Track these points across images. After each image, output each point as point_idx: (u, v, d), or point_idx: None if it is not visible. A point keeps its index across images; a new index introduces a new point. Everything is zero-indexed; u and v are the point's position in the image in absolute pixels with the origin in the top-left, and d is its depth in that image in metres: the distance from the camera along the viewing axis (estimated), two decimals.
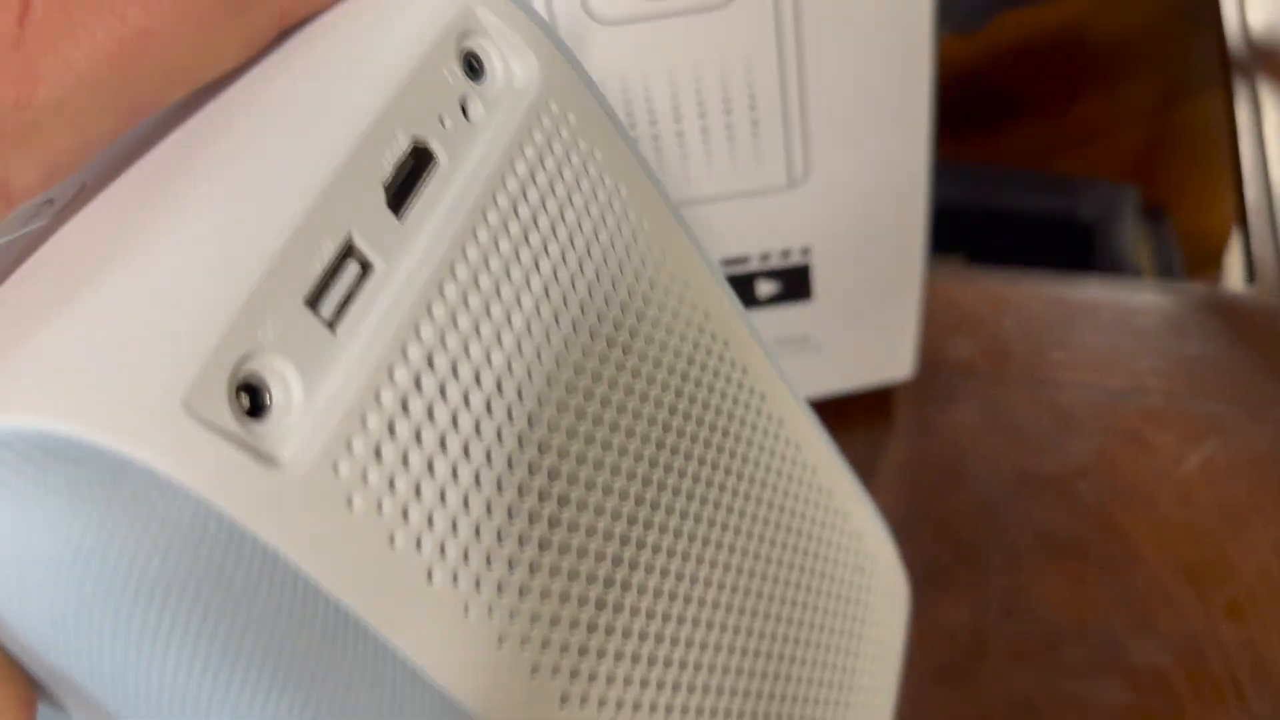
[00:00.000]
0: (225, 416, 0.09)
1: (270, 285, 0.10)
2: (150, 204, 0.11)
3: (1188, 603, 0.28)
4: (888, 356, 0.31)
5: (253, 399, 0.10)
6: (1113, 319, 0.35)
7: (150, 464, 0.09)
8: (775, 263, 0.27)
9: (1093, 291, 0.36)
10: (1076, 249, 0.55)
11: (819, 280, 0.28)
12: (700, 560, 0.15)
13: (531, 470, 0.12)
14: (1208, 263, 0.49)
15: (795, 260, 0.27)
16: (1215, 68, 0.50)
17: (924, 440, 0.32)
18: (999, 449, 0.32)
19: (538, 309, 0.13)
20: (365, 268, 0.11)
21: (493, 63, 0.13)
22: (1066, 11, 0.60)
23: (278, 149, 0.11)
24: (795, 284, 0.28)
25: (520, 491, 0.12)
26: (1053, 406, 0.33)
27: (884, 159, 0.26)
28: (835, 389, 0.31)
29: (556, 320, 0.13)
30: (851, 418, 0.32)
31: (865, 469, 0.26)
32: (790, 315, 0.29)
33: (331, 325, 0.11)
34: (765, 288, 0.28)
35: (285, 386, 0.10)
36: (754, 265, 0.27)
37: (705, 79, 0.23)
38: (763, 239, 0.27)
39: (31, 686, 0.09)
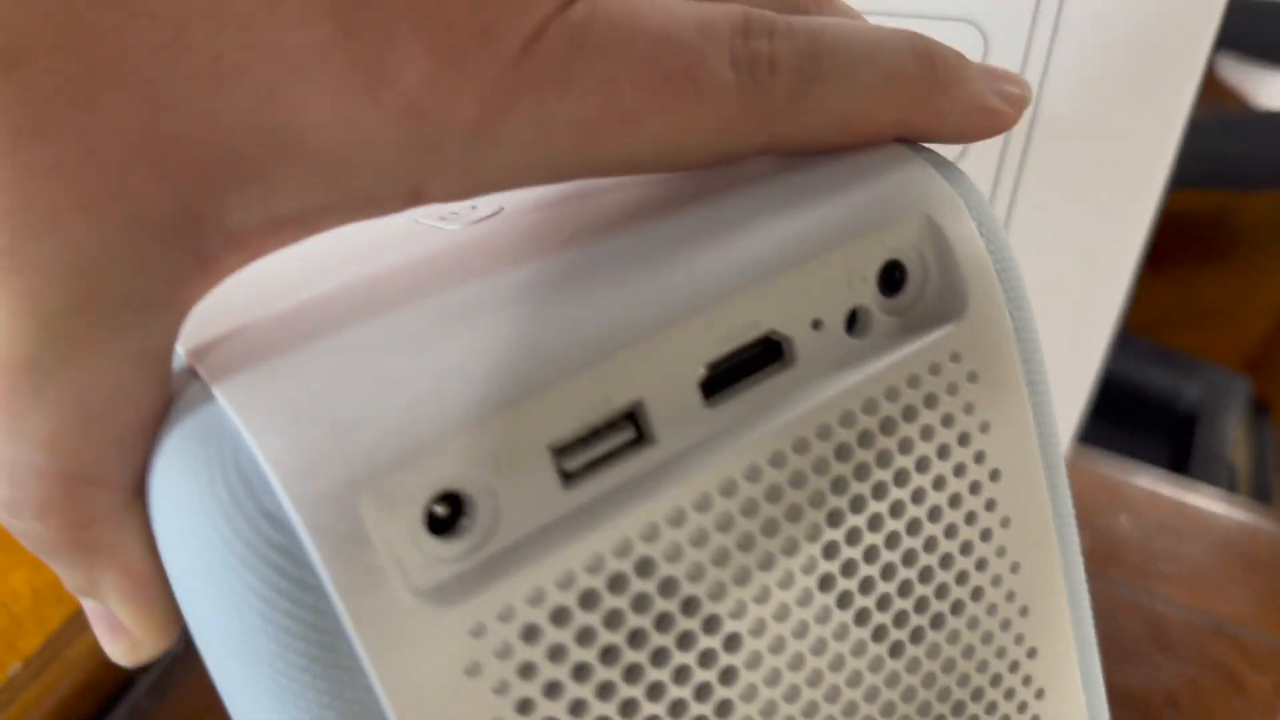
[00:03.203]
0: (408, 518, 0.09)
1: (523, 414, 0.09)
2: (500, 264, 0.10)
3: None
4: None
5: (452, 513, 0.09)
6: (1227, 539, 0.32)
7: (300, 530, 0.08)
8: None
9: (1216, 505, 0.33)
10: (1176, 430, 0.52)
11: None
12: None
13: None
14: None
15: None
16: None
17: None
18: None
19: (838, 587, 0.11)
20: (641, 438, 0.09)
21: (912, 283, 0.10)
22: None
23: (628, 266, 0.10)
24: None
25: None
26: (1152, 621, 0.30)
27: (1063, 334, 0.23)
28: None
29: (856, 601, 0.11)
30: None
31: None
32: None
33: (568, 479, 0.09)
34: None
35: (492, 517, 0.09)
36: None
37: None
38: None
39: (176, 619, 0.10)
